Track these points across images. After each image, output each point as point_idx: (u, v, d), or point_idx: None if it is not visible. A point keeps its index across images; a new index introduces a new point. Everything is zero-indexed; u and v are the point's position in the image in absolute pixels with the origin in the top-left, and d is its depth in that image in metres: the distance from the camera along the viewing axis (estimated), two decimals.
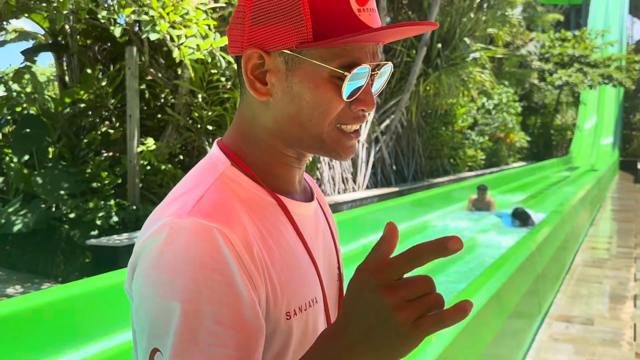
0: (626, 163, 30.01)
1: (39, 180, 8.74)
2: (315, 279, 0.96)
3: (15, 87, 11.66)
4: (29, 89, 11.44)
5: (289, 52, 0.88)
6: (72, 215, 8.36)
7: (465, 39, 15.63)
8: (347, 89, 0.88)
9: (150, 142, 8.90)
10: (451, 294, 5.12)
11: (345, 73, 0.86)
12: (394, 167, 15.48)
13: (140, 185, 8.73)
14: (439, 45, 15.06)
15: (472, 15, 16.09)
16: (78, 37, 10.76)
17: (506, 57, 21.49)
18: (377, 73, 0.93)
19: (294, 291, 0.90)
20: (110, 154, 9.60)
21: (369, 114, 0.97)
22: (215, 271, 0.78)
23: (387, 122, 14.61)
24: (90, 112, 10.12)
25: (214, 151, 0.97)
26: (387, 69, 0.96)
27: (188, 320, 0.77)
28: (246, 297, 0.80)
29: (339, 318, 0.77)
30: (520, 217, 10.82)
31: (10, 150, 9.50)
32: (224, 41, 5.80)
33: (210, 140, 9.19)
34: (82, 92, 10.03)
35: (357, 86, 0.89)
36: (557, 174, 24.05)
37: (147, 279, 0.81)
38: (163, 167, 8.87)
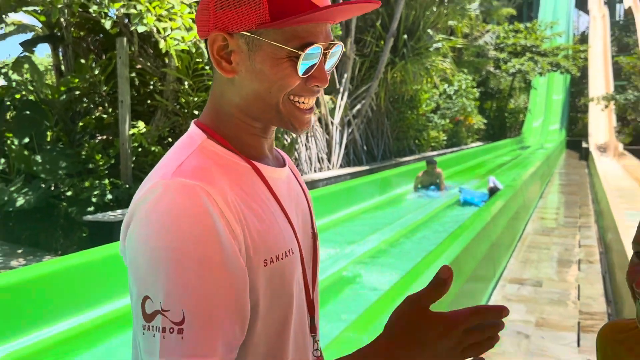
0: (572, 142, 30.39)
1: (39, 161, 8.67)
2: (290, 233, 0.97)
3: (15, 76, 11.51)
4: (28, 77, 11.29)
5: (249, 34, 0.89)
6: (69, 194, 8.30)
7: (429, 30, 15.65)
8: (302, 66, 0.89)
9: (141, 126, 8.85)
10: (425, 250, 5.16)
11: (300, 52, 0.88)
12: (365, 148, 15.52)
13: (132, 165, 8.69)
14: (405, 36, 15.07)
15: (434, 9, 16.10)
16: (72, 29, 10.64)
17: (465, 47, 21.55)
18: (328, 52, 0.93)
19: (271, 242, 0.90)
20: (104, 137, 9.53)
21: (322, 88, 0.97)
22: (199, 223, 0.80)
23: (359, 106, 14.62)
24: (84, 99, 10.04)
25: (191, 129, 0.98)
26: (338, 48, 0.96)
27: (176, 267, 0.78)
28: (227, 244, 0.81)
29: (393, 335, 0.84)
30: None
31: (11, 134, 9.38)
32: None
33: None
34: (76, 80, 9.92)
35: (311, 64, 0.90)
36: (511, 153, 24.28)
37: (140, 233, 0.82)
38: (153, 148, 8.83)
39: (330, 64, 0.96)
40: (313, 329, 1.05)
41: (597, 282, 6.28)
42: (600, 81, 32.90)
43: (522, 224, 9.27)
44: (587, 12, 42.25)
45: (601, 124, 29.81)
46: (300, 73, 0.89)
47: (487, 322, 0.84)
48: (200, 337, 0.77)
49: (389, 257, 6.71)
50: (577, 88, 35.33)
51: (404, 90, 16.33)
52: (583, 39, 39.59)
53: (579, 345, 4.51)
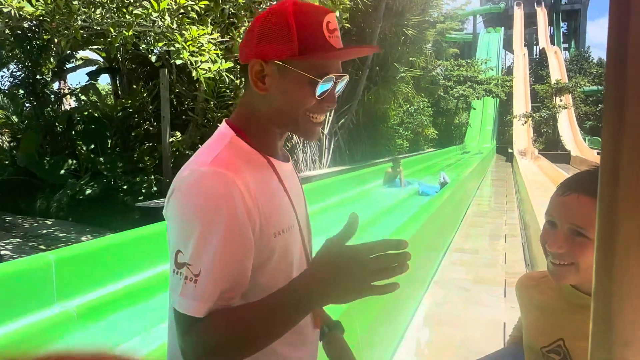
0: (500, 148, 30.49)
1: (102, 161, 8.62)
2: (291, 212, 0.97)
3: (83, 98, 11.43)
4: (93, 99, 11.23)
5: (280, 63, 0.89)
6: (125, 186, 8.26)
7: (395, 64, 15.66)
8: (319, 90, 0.90)
9: (178, 135, 8.81)
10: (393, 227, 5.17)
11: (319, 80, 0.89)
12: (347, 152, 15.50)
13: (172, 165, 8.65)
14: (377, 68, 15.08)
15: (399, 48, 16.11)
16: (126, 62, 10.56)
17: (422, 77, 21.50)
18: (339, 81, 0.94)
19: (278, 219, 0.91)
20: (150, 144, 9.49)
21: (332, 108, 0.97)
22: (224, 202, 0.82)
23: (343, 120, 14.61)
24: (135, 115, 10.00)
25: (222, 126, 0.98)
26: (346, 78, 0.97)
27: (203, 235, 0.81)
28: (243, 222, 0.83)
29: (317, 266, 0.83)
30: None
31: (80, 142, 9.32)
32: (229, 65, 5.71)
33: None
34: (130, 102, 9.88)
35: (325, 89, 0.91)
36: (456, 156, 24.34)
37: (182, 204, 0.84)
38: (187, 152, 8.79)
39: (339, 89, 0.96)
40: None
41: (518, 251, 6.32)
42: (521, 103, 33.05)
43: (464, 208, 9.30)
44: (512, 51, 42.42)
45: (522, 134, 29.95)
46: (317, 95, 0.90)
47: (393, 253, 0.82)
48: (207, 289, 0.81)
49: (362, 234, 6.70)
50: (504, 108, 35.41)
51: (376, 108, 16.35)
52: (509, 71, 39.72)
53: (505, 296, 4.53)
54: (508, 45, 44.18)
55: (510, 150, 27.30)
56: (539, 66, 41.65)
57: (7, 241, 6.65)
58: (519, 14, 45.58)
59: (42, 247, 6.51)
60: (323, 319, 1.22)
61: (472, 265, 5.61)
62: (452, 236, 7.01)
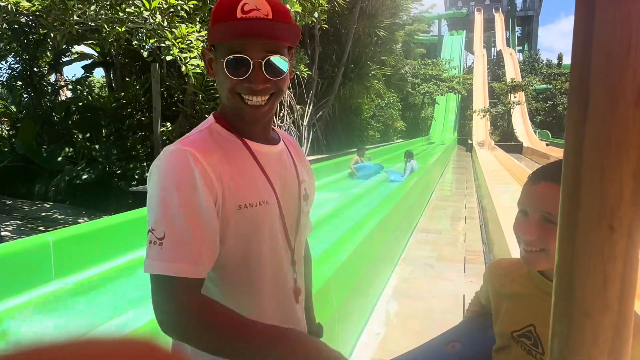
0: (461, 140, 30.86)
1: (97, 149, 8.39)
2: (267, 188, 0.93)
3: (79, 89, 11.10)
4: (88, 91, 10.92)
5: (212, 49, 0.89)
6: (119, 172, 8.07)
7: (368, 62, 15.62)
8: (231, 70, 0.85)
9: (168, 125, 8.62)
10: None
11: (222, 60, 0.85)
12: (325, 142, 15.46)
13: None
14: (352, 65, 15.01)
15: (372, 47, 16.07)
16: (120, 57, 10.26)
17: (392, 74, 21.48)
18: (261, 62, 0.85)
19: (247, 193, 0.89)
20: (143, 133, 9.27)
21: (266, 92, 0.89)
22: (182, 174, 0.81)
23: (320, 113, 14.53)
24: (128, 107, 9.73)
25: (209, 117, 0.97)
26: (273, 60, 0.86)
27: (163, 202, 0.81)
28: (202, 191, 0.81)
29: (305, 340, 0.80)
30: (409, 156, 11.05)
31: (77, 130, 9.05)
32: None
33: None
34: (123, 94, 9.61)
35: (241, 69, 0.85)
36: (422, 147, 24.57)
37: (151, 179, 0.85)
38: None
39: (272, 72, 0.87)
40: (293, 263, 1.01)
41: (476, 232, 6.42)
42: (480, 99, 33.43)
43: (429, 193, 9.41)
44: (472, 52, 42.76)
45: (480, 127, 30.36)
46: (230, 76, 0.86)
47: None
48: (172, 249, 0.79)
49: (337, 217, 6.70)
50: (465, 103, 35.79)
51: (351, 102, 16.31)
52: (469, 70, 40.06)
53: (464, 272, 4.61)
54: (469, 46, 44.54)
55: (470, 142, 27.66)
56: (496, 66, 42.13)
57: (8, 223, 6.45)
58: (479, 19, 45.94)
59: (41, 228, 6.34)
60: (307, 321, 1.16)
61: (436, 244, 5.68)
62: (418, 218, 7.09)
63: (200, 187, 0.81)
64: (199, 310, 0.78)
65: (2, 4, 4.90)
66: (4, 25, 8.22)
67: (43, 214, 7.36)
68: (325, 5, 8.50)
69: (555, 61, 41.65)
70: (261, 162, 0.94)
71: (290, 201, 1.00)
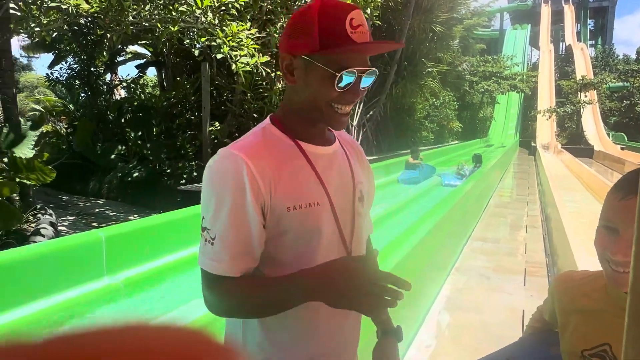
0: (524, 142, 29.61)
1: (148, 147, 8.78)
2: (319, 190, 0.97)
3: (132, 87, 11.64)
4: (141, 91, 11.44)
5: (305, 57, 0.91)
6: (168, 171, 8.42)
7: (423, 59, 15.36)
8: (339, 83, 0.90)
9: (216, 125, 8.89)
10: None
11: (337, 74, 0.89)
12: (375, 143, 15.36)
13: (210, 152, 8.76)
14: (405, 63, 14.83)
15: (427, 44, 15.78)
16: (171, 56, 10.70)
17: (448, 72, 21.03)
18: (363, 75, 0.92)
19: (297, 194, 0.93)
20: (192, 132, 9.62)
21: (357, 100, 0.96)
22: (232, 179, 0.88)
23: (371, 113, 14.48)
24: (179, 106, 10.13)
25: (266, 119, 1.03)
26: (373, 73, 0.94)
27: (216, 205, 0.89)
28: (249, 196, 0.88)
29: (326, 266, 0.88)
30: (477, 159, 10.86)
31: (129, 129, 9.53)
32: (265, 59, 5.72)
33: (255, 123, 9.13)
34: (174, 93, 10.01)
35: (347, 82, 0.90)
36: (479, 149, 23.84)
37: (204, 180, 0.93)
38: (225, 140, 8.87)
39: (367, 83, 0.95)
40: None
41: (539, 241, 6.15)
42: (545, 98, 31.97)
43: (486, 199, 9.10)
44: (538, 48, 40.98)
45: (545, 129, 29.03)
46: (337, 88, 0.90)
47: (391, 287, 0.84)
48: (221, 250, 0.89)
49: (386, 223, 6.64)
50: (528, 103, 34.36)
51: (404, 102, 16.10)
52: (534, 67, 38.44)
53: (524, 285, 4.43)
54: (534, 41, 42.71)
55: (533, 144, 26.51)
56: (564, 62, 40.15)
57: (64, 218, 6.90)
58: (546, 11, 43.91)
59: (94, 224, 6.72)
60: (381, 323, 1.25)
61: (493, 253, 5.49)
62: (474, 225, 6.88)
63: (248, 192, 0.88)
64: (230, 293, 0.91)
65: (64, 6, 5.25)
66: (65, 27, 8.83)
67: (96, 210, 7.80)
68: (379, 0, 8.45)
69: (633, 56, 39.11)
70: (314, 163, 0.97)
71: (344, 202, 1.02)
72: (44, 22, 6.18)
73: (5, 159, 5.26)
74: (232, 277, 0.90)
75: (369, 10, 8.05)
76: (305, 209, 0.93)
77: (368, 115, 14.41)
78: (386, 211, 7.16)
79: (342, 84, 0.90)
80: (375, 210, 7.02)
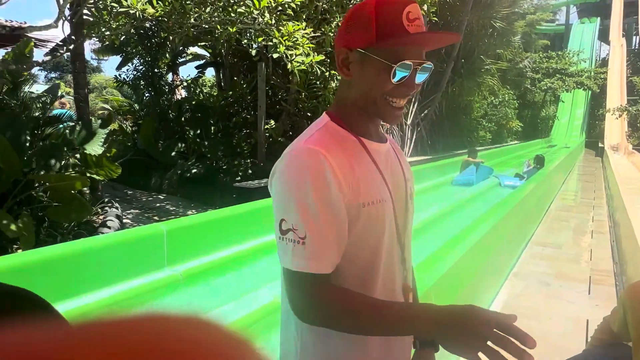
0: (590, 143, 27.94)
1: (206, 145, 9.08)
2: (383, 186, 0.98)
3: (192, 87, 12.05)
4: (199, 91, 11.84)
5: (361, 50, 0.91)
6: (224, 168, 8.66)
7: (481, 56, 14.85)
8: (395, 76, 0.90)
9: (272, 123, 9.05)
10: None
11: (393, 65, 0.89)
12: (429, 142, 15.04)
13: (265, 150, 8.92)
14: (463, 60, 14.40)
15: (486, 40, 15.22)
16: (229, 57, 10.99)
17: (508, 69, 20.16)
18: (418, 68, 0.92)
19: (368, 191, 0.93)
20: (247, 130, 9.84)
21: (411, 93, 0.96)
22: (316, 174, 0.86)
23: (426, 112, 14.17)
24: (235, 105, 10.38)
25: (322, 115, 1.03)
26: (428, 66, 0.94)
27: (303, 203, 0.86)
28: (335, 191, 0.87)
29: (448, 308, 0.83)
30: (539, 161, 10.47)
31: (188, 127, 9.89)
32: (320, 58, 5.76)
33: (309, 121, 9.19)
34: (230, 92, 10.28)
35: (402, 75, 0.90)
36: (541, 150, 22.75)
37: (282, 180, 0.90)
38: (279, 138, 9.01)
39: (422, 77, 0.94)
40: (403, 260, 1.05)
41: (606, 248, 5.79)
42: (615, 96, 29.87)
43: (548, 202, 8.67)
44: (607, 42, 38.45)
45: (615, 129, 27.17)
46: (393, 81, 0.90)
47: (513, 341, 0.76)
48: (315, 248, 0.86)
49: (441, 223, 6.48)
50: (596, 101, 32.33)
51: (460, 100, 15.64)
52: (604, 63, 36.08)
53: (589, 293, 4.18)
54: (604, 36, 40.10)
55: (601, 145, 24.95)
56: (637, 58, 37.42)
57: (129, 211, 7.28)
58: (617, 3, 41.09)
59: (156, 217, 7.05)
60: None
61: (554, 259, 5.22)
62: (534, 229, 6.58)
63: (332, 186, 0.87)
64: (335, 300, 0.87)
65: (131, 11, 5.53)
66: (132, 31, 9.31)
67: (157, 204, 8.18)
68: None
69: None
70: (376, 160, 0.98)
71: (400, 199, 1.04)
72: (113, 26, 6.54)
73: (78, 155, 5.62)
74: (326, 276, 0.88)
75: (425, 7, 7.89)
76: (375, 205, 0.94)
77: (423, 114, 14.13)
78: (440, 212, 7.01)
79: (397, 77, 0.90)
80: (429, 211, 6.91)
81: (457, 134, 17.11)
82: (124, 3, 5.56)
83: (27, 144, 5.26)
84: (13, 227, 4.36)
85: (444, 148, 15.92)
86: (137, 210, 7.53)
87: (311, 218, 0.85)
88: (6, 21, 7.57)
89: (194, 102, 10.52)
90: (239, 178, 8.21)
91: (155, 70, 11.01)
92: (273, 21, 4.95)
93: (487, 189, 9.60)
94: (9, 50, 6.06)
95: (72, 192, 5.05)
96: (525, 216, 6.08)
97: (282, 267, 0.90)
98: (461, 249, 3.28)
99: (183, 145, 9.94)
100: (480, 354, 0.76)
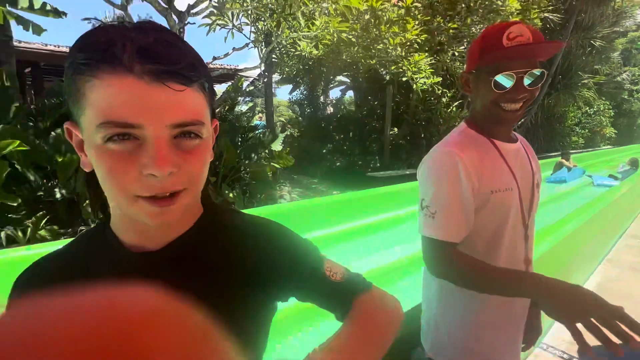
0: None
1: (347, 145, 9.26)
2: (511, 178, 0.91)
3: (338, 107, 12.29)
4: (342, 107, 12.05)
5: (473, 71, 0.88)
6: (359, 162, 8.75)
7: (579, 72, 12.47)
8: (495, 85, 0.83)
9: (395, 130, 8.85)
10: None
11: (490, 78, 0.83)
12: None
13: (390, 150, 8.77)
14: (560, 76, 12.25)
15: (584, 58, 12.70)
16: (363, 82, 11.00)
17: (606, 82, 16.59)
18: (524, 75, 0.81)
19: (495, 181, 0.88)
20: (375, 135, 9.78)
21: (520, 97, 0.84)
22: (450, 170, 0.84)
23: (522, 121, 12.48)
24: (368, 117, 10.38)
25: (461, 123, 0.99)
26: (536, 72, 0.82)
27: (436, 188, 0.85)
28: (463, 180, 0.83)
29: (557, 283, 0.70)
30: (634, 163, 8.68)
31: (334, 133, 10.20)
32: (438, 79, 5.45)
33: (424, 129, 8.77)
34: (365, 108, 10.29)
35: (504, 83, 0.82)
36: (637, 154, 18.32)
37: (425, 171, 0.88)
38: (400, 141, 8.80)
39: (531, 82, 0.83)
40: (526, 237, 0.97)
41: None
42: None
43: None
44: None
45: None
46: (495, 90, 0.83)
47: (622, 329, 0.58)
48: (441, 222, 0.84)
49: (552, 205, 5.63)
50: None
51: (555, 110, 13.40)
52: None
53: None
54: None
55: None
56: None
57: (295, 189, 7.86)
58: None
59: (312, 194, 7.48)
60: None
61: None
62: (629, 224, 5.38)
63: (462, 178, 0.84)
64: (453, 261, 0.83)
65: (303, 53, 5.89)
66: (300, 66, 9.92)
67: (313, 186, 8.66)
68: (539, 23, 7.17)
69: None
70: (505, 157, 0.92)
71: (526, 188, 0.97)
72: (289, 64, 7.01)
73: (267, 151, 6.23)
74: (453, 244, 0.84)
75: None
76: (503, 193, 0.89)
77: (519, 123, 12.46)
78: (543, 201, 6.12)
79: (499, 86, 0.82)
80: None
81: (550, 140, 14.71)
82: (298, 48, 5.94)
83: (238, 143, 5.99)
84: (231, 195, 5.04)
85: (537, 151, 13.84)
86: (300, 189, 8.09)
87: (441, 200, 0.84)
88: (227, 65, 8.68)
89: (338, 115, 10.82)
90: (370, 170, 8.23)
91: (314, 93, 11.58)
92: (403, 53, 4.83)
93: (579, 187, 8.12)
94: (230, 84, 6.94)
95: (263, 175, 5.61)
96: (621, 212, 5.00)
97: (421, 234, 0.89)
98: (559, 234, 2.85)
99: (330, 145, 10.31)
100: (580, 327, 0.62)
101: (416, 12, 5.51)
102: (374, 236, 4.05)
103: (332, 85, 13.16)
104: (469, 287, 0.82)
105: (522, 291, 0.74)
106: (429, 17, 5.81)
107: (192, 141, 0.38)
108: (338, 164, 9.01)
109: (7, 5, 3.69)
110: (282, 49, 6.40)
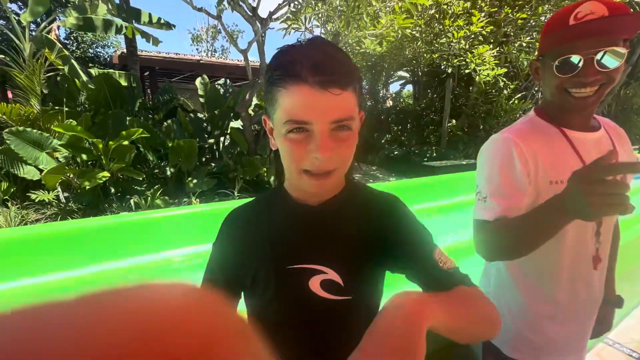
0: None
1: (404, 136, 8.90)
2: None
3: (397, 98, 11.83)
4: (401, 101, 11.56)
5: (540, 58, 0.76)
6: (416, 152, 8.39)
7: None
8: (558, 70, 0.70)
9: (453, 122, 8.28)
10: None
11: (552, 62, 0.71)
12: None
13: (447, 139, 8.24)
14: None
15: None
16: (423, 76, 10.43)
17: None
18: (593, 56, 0.66)
19: (557, 171, 0.74)
20: (433, 127, 9.25)
21: (591, 80, 0.68)
22: (504, 157, 0.75)
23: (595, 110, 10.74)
24: (425, 109, 9.87)
25: (530, 111, 0.86)
26: (602, 54, 0.66)
27: (489, 173, 0.76)
28: (517, 167, 0.74)
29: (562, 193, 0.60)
30: None
31: (393, 125, 9.88)
32: (503, 71, 4.90)
33: (483, 121, 8.04)
34: (424, 101, 9.78)
35: (569, 67, 0.69)
36: None
37: (482, 157, 0.79)
38: (458, 132, 8.20)
39: (602, 65, 0.66)
40: (598, 234, 0.82)
41: None
42: None
43: None
44: None
45: None
46: (559, 74, 0.71)
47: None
48: (493, 205, 0.74)
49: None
50: None
51: (633, 102, 11.28)
52: None
53: None
54: None
55: None
56: None
57: (355, 174, 7.83)
58: None
59: (371, 180, 7.39)
60: (607, 290, 0.95)
61: None
62: None
63: (517, 164, 0.74)
64: (493, 231, 0.74)
65: (367, 50, 5.73)
66: (364, 63, 9.68)
67: (371, 172, 8.54)
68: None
69: None
70: (577, 146, 0.78)
71: None
72: (354, 61, 6.89)
73: None
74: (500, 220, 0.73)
75: None
76: (563, 184, 0.75)
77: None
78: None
79: (562, 70, 0.69)
80: None
81: (626, 132, 12.45)
82: (363, 46, 5.79)
83: None
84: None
85: None
86: (359, 175, 8.04)
87: (493, 186, 0.75)
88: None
89: (397, 108, 10.42)
90: (426, 159, 7.85)
91: (375, 87, 11.27)
92: (467, 46, 4.42)
93: None
94: None
95: None
96: None
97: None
98: (632, 232, 2.43)
99: (388, 136, 10.02)
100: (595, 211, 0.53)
101: (482, 4, 4.95)
102: (428, 220, 3.87)
103: (392, 80, 12.65)
104: (512, 246, 0.71)
105: (544, 215, 0.63)
106: (495, 9, 5.19)
107: (345, 132, 0.45)
108: (395, 152, 8.74)
109: (134, 22, 4.16)
110: (348, 47, 6.29)
